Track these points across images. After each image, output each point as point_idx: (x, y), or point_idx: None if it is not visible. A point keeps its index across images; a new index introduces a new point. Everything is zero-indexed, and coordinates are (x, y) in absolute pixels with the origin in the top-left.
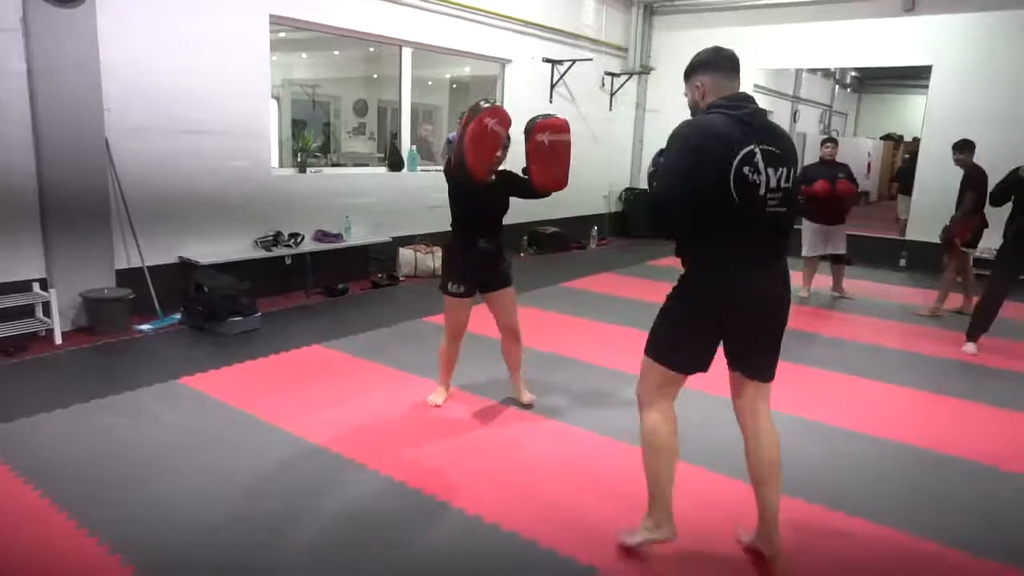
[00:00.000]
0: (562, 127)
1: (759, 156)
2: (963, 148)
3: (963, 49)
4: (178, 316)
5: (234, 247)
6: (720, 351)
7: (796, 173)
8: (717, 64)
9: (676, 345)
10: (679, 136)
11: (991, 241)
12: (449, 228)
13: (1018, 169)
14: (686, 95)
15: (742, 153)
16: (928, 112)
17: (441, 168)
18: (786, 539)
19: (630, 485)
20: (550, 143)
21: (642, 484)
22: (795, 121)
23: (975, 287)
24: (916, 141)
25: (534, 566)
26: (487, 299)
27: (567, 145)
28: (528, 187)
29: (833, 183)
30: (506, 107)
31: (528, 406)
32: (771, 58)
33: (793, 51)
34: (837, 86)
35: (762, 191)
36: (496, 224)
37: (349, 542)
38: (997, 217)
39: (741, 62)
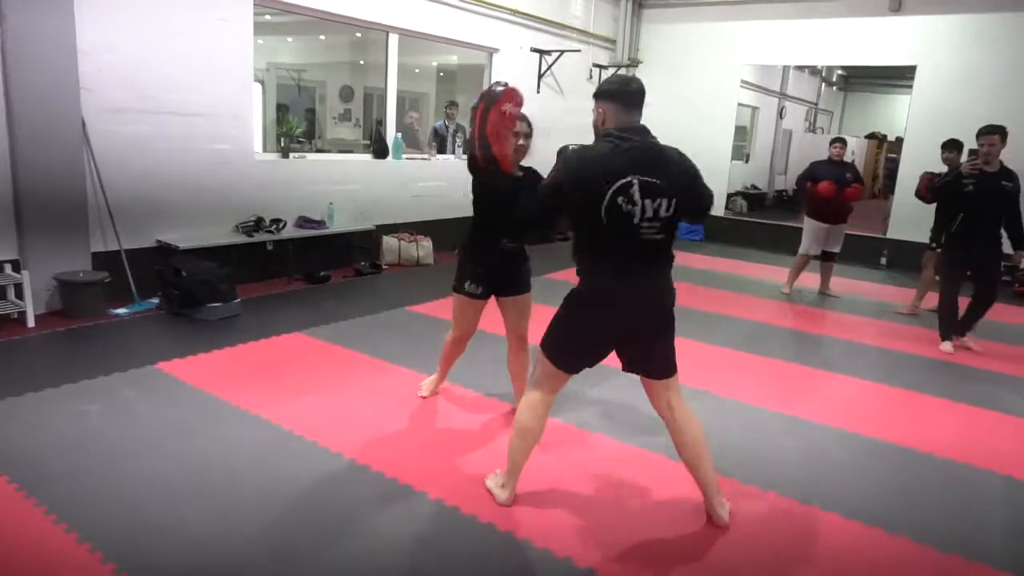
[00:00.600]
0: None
1: (636, 187)
2: (951, 147)
3: (948, 50)
4: (155, 301)
5: (214, 232)
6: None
7: (681, 202)
8: (620, 97)
9: (563, 348)
10: (565, 160)
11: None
12: (436, 218)
13: (959, 166)
14: (593, 112)
15: (618, 184)
16: (912, 112)
17: (426, 156)
18: (760, 532)
19: (622, 486)
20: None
21: (636, 482)
22: (781, 118)
23: None
24: (899, 141)
25: (514, 557)
26: (501, 303)
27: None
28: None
29: (840, 184)
30: None
31: None
32: (758, 54)
33: (780, 47)
34: (823, 84)
35: (636, 219)
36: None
37: (327, 532)
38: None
39: (728, 57)
